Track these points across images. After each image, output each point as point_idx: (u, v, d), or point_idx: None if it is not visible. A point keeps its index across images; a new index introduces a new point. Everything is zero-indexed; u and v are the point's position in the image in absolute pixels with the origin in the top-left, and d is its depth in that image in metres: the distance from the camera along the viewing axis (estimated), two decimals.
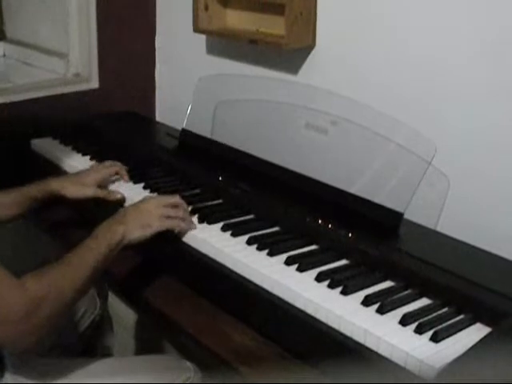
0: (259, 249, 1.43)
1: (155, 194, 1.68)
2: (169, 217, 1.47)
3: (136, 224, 1.41)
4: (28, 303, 1.16)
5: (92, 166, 1.82)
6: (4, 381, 1.34)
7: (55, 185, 1.64)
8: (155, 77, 2.41)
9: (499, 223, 1.50)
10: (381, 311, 1.21)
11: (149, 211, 1.45)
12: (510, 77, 1.45)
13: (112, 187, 1.73)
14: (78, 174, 1.73)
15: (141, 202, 1.50)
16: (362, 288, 1.29)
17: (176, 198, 1.54)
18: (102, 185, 1.71)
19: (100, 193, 1.67)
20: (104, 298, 1.91)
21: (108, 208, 1.65)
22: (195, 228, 1.51)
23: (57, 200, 1.65)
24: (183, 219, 1.50)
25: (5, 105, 2.07)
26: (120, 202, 1.68)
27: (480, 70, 1.50)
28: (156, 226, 1.44)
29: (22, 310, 1.16)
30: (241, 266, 1.37)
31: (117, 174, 1.77)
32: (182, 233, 1.49)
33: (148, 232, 1.43)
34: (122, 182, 1.76)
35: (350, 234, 1.43)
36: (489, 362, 1.01)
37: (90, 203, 1.67)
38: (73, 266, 1.28)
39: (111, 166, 1.76)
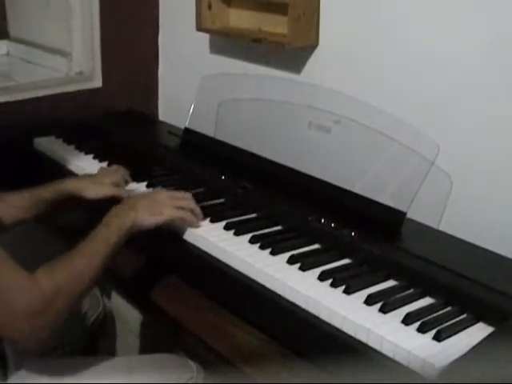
0: (262, 248, 1.43)
1: None
2: (180, 208, 1.47)
3: (147, 210, 1.40)
4: (41, 299, 1.17)
5: (101, 169, 1.77)
6: (7, 381, 1.34)
7: (72, 185, 1.60)
8: (158, 76, 2.41)
9: (502, 222, 1.50)
10: (383, 310, 1.21)
11: (160, 200, 1.45)
12: None
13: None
14: (93, 175, 1.71)
15: (152, 192, 1.50)
16: (364, 287, 1.29)
17: (187, 194, 1.54)
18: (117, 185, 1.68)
19: (118, 191, 1.63)
20: (107, 297, 1.91)
21: None
22: (202, 219, 1.52)
23: (70, 202, 1.63)
24: (193, 211, 1.50)
25: (8, 103, 2.08)
26: None
27: (483, 69, 1.50)
28: (167, 213, 1.43)
29: (35, 306, 1.16)
30: (243, 264, 1.37)
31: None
32: (189, 228, 1.49)
33: (159, 219, 1.41)
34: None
35: (352, 233, 1.43)
36: (491, 362, 1.01)
37: (107, 203, 1.64)
38: (85, 257, 1.28)
39: (119, 170, 1.73)
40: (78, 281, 1.24)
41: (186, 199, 1.51)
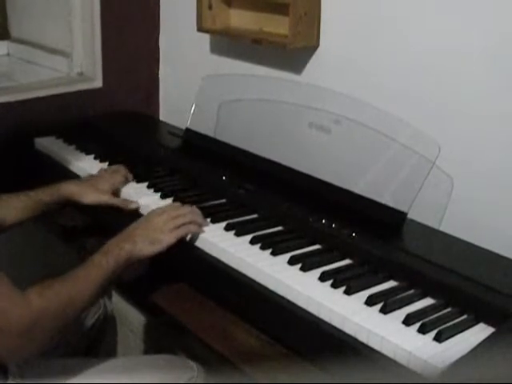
0: (262, 248, 1.42)
1: (159, 194, 1.69)
2: (179, 225, 1.45)
3: (145, 241, 1.40)
4: (30, 317, 1.16)
5: (101, 171, 1.78)
6: (7, 381, 1.34)
7: (70, 190, 1.62)
8: (159, 76, 2.41)
9: (503, 223, 1.50)
10: (384, 311, 1.21)
11: (158, 226, 1.43)
12: None
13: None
14: (92, 179, 1.71)
15: (150, 216, 1.47)
16: (365, 288, 1.29)
17: (185, 208, 1.51)
18: (116, 191, 1.70)
19: (116, 201, 1.65)
20: (108, 298, 1.91)
21: (121, 214, 1.63)
22: (207, 225, 1.51)
23: (68, 205, 1.64)
24: (193, 222, 1.48)
25: (9, 103, 2.08)
26: (134, 211, 1.64)
27: (484, 70, 1.50)
28: (166, 240, 1.42)
29: (24, 323, 1.16)
30: (244, 265, 1.37)
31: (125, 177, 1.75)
32: (193, 235, 1.48)
33: (158, 248, 1.41)
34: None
35: (353, 234, 1.43)
36: (492, 362, 1.01)
37: (105, 209, 1.65)
38: (79, 281, 1.28)
39: (119, 170, 1.75)
40: (68, 304, 1.23)
41: (183, 216, 1.47)
